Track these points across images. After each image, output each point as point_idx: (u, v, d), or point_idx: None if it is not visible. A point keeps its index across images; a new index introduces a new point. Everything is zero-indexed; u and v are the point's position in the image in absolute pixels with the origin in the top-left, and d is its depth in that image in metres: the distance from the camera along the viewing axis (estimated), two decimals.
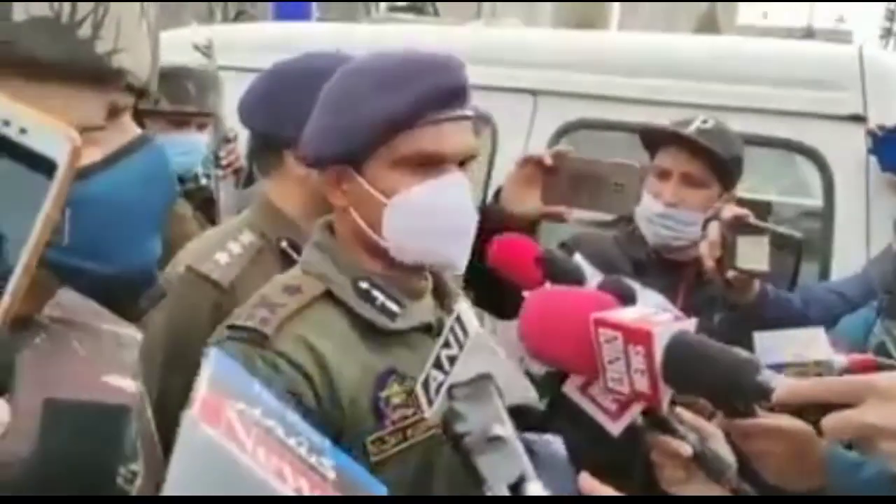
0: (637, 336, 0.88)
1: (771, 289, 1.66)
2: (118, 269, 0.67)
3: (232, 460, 0.45)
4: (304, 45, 1.67)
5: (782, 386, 0.83)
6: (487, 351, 0.83)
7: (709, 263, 1.59)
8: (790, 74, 2.33)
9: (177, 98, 2.07)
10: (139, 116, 2.07)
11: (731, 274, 1.57)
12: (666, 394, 0.90)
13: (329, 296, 1.09)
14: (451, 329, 0.86)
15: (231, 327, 1.06)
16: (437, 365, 0.86)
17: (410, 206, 1.06)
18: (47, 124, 0.42)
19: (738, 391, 0.88)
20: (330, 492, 0.50)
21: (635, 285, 1.01)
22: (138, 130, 0.70)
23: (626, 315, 0.91)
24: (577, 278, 1.09)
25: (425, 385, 0.87)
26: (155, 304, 0.75)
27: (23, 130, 0.42)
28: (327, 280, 1.10)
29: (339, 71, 1.12)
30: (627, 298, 0.97)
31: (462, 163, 1.10)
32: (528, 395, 0.86)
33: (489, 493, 0.69)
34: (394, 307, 1.10)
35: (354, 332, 1.08)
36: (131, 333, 0.79)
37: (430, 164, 1.06)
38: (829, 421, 0.80)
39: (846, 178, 2.17)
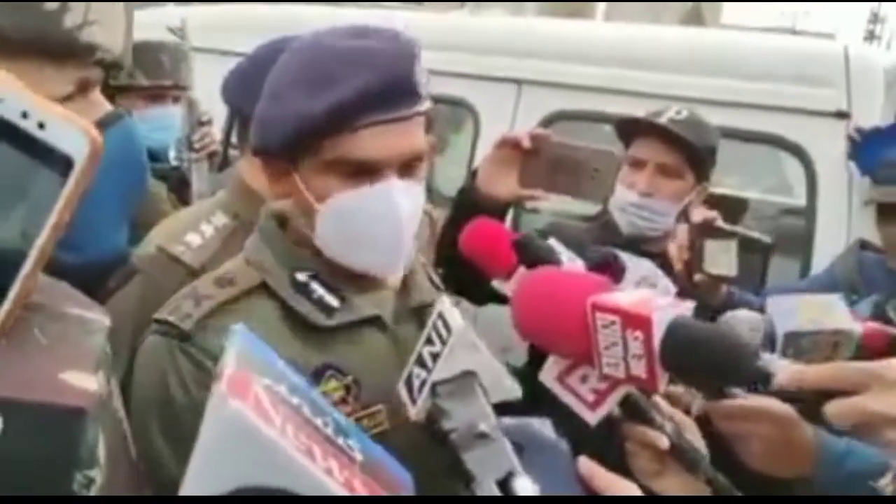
0: (636, 321, 0.85)
1: (737, 292, 1.65)
2: (87, 259, 0.63)
3: (262, 436, 0.44)
4: (285, 27, 1.63)
5: (783, 372, 0.81)
6: (471, 348, 0.82)
7: (677, 266, 1.58)
8: (775, 69, 2.32)
9: (152, 72, 2.05)
10: (110, 92, 2.02)
11: (698, 277, 1.55)
12: (663, 378, 0.88)
13: (264, 287, 1.03)
14: (434, 326, 0.85)
15: (156, 321, 0.99)
16: (420, 362, 0.85)
17: (337, 213, 0.99)
18: (68, 120, 0.40)
19: (737, 376, 0.86)
20: (358, 474, 0.48)
21: (624, 256, 0.99)
22: (108, 107, 0.67)
23: (624, 299, 0.89)
24: (552, 262, 1.07)
25: (408, 383, 0.85)
26: (125, 282, 0.71)
27: (41, 125, 0.39)
28: (264, 271, 1.04)
29: (281, 59, 1.03)
30: (619, 270, 0.95)
31: (408, 165, 1.00)
32: (513, 392, 0.85)
33: (478, 490, 0.69)
34: (332, 301, 1.03)
35: (287, 327, 1.01)
36: (99, 318, 0.74)
37: (363, 170, 0.97)
38: (833, 407, 0.79)
39: (829, 174, 2.17)
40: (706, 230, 1.56)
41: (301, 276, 1.03)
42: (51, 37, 0.58)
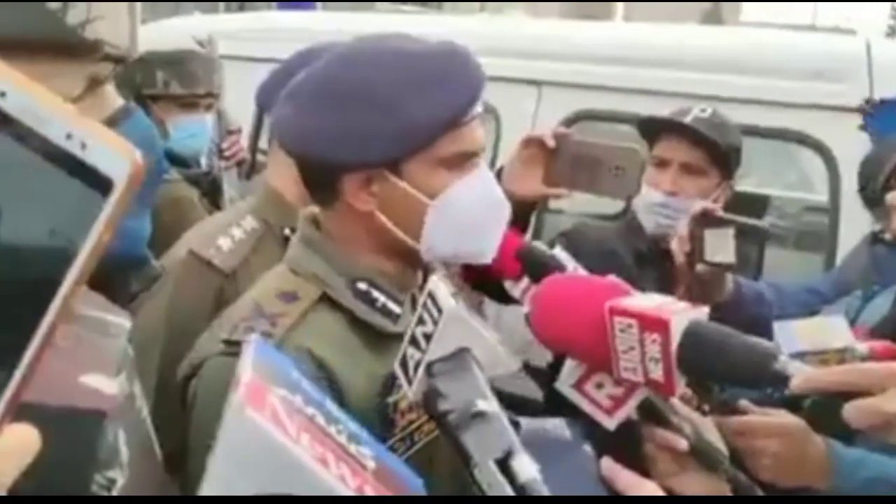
0: (653, 325, 0.86)
1: (745, 285, 1.65)
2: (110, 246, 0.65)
3: (278, 445, 0.45)
4: (310, 35, 1.66)
5: (800, 374, 0.81)
6: (463, 325, 0.80)
7: (679, 259, 1.58)
8: (797, 66, 2.31)
9: (186, 81, 2.10)
10: (145, 100, 2.06)
11: (700, 268, 1.56)
12: (680, 381, 0.88)
13: (325, 299, 1.03)
14: (425, 305, 0.83)
15: (228, 342, 0.97)
16: (414, 343, 0.83)
17: (457, 204, 1.02)
18: (110, 141, 0.40)
19: (755, 379, 0.87)
20: (370, 481, 0.50)
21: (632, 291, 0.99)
22: (121, 101, 0.68)
23: (641, 303, 0.89)
24: (556, 271, 1.09)
25: (403, 364, 0.84)
26: (148, 286, 0.71)
27: (84, 146, 0.39)
28: (322, 282, 1.03)
29: (338, 64, 1.03)
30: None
31: None
32: (509, 365, 0.84)
33: (476, 470, 0.68)
34: (395, 308, 1.05)
35: (356, 337, 1.03)
36: (119, 322, 0.73)
37: (463, 160, 1.03)
38: (851, 409, 0.78)
39: (852, 170, 2.15)
40: (704, 221, 1.56)
41: (362, 285, 1.04)
42: (53, 35, 0.59)
